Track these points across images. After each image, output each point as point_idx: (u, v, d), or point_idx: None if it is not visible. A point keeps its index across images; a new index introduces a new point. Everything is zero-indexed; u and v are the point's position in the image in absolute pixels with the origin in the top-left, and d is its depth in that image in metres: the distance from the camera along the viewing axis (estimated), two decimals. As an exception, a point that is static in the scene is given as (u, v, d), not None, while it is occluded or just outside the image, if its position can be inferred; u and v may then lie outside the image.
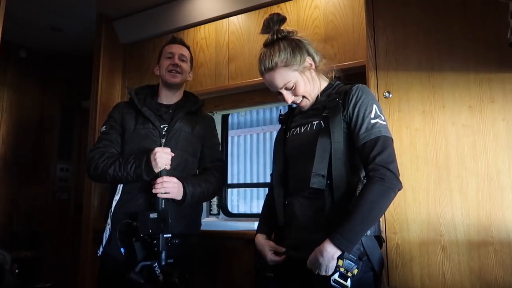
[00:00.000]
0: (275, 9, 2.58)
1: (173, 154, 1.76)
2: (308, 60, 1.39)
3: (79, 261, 2.80)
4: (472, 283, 1.61)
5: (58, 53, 3.97)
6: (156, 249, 1.63)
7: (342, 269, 1.21)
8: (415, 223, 1.73)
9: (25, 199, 3.75)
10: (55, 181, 3.92)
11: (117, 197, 1.79)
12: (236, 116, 3.26)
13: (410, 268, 1.70)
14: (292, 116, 1.54)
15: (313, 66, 1.40)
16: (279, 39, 1.38)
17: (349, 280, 1.21)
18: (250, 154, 3.22)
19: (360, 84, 1.38)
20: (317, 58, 1.43)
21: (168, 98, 1.97)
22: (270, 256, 1.42)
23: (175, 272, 1.63)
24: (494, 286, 1.57)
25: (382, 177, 1.22)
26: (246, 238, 2.26)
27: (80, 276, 2.77)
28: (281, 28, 1.42)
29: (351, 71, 2.20)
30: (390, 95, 1.86)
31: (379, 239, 1.36)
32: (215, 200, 3.02)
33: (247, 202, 3.21)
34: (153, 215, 1.65)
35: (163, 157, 1.70)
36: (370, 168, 1.25)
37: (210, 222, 2.73)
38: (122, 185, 1.80)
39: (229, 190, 3.18)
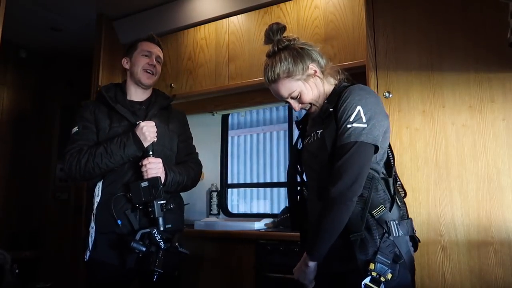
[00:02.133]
0: (275, 9, 2.58)
1: (155, 127, 1.76)
2: (312, 67, 1.36)
3: (79, 261, 2.80)
4: (472, 283, 1.61)
5: (58, 53, 3.97)
6: (152, 216, 1.65)
7: (374, 273, 1.17)
8: (415, 223, 1.71)
9: (25, 199, 3.75)
10: (55, 181, 3.92)
11: (97, 199, 1.73)
12: (236, 116, 3.25)
13: (410, 268, 1.70)
14: (306, 122, 1.52)
15: (318, 72, 1.38)
16: (280, 50, 1.37)
17: (382, 285, 1.16)
18: (250, 154, 3.22)
19: (353, 85, 1.34)
20: (322, 62, 1.40)
21: (138, 95, 1.92)
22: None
23: (175, 237, 1.66)
24: (494, 286, 1.58)
25: (329, 189, 1.21)
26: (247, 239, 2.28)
27: (80, 276, 2.77)
28: (283, 36, 1.40)
29: (351, 71, 2.18)
30: (390, 95, 1.86)
31: (413, 239, 1.32)
32: (215, 200, 3.02)
33: (247, 202, 3.20)
34: (144, 184, 1.67)
35: (150, 130, 1.72)
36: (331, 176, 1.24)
37: (210, 222, 2.73)
38: (101, 185, 1.75)
39: (229, 190, 3.19)
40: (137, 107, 1.87)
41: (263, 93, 2.61)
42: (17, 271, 1.51)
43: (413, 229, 1.31)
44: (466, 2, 1.78)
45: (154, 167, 1.69)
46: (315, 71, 1.37)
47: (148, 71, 1.87)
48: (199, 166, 1.98)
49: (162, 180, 1.70)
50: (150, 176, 1.68)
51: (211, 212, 3.02)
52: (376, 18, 1.95)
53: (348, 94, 1.29)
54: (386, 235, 1.23)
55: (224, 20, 2.76)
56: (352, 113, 1.24)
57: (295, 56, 1.35)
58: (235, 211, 3.15)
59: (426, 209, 1.72)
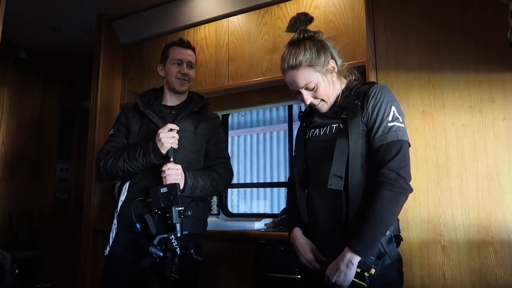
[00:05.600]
0: (275, 9, 2.58)
1: (177, 128, 1.80)
2: (331, 63, 1.39)
3: (79, 261, 2.81)
4: (472, 283, 1.61)
5: (58, 53, 3.97)
6: (170, 222, 1.68)
7: (358, 270, 1.21)
8: (415, 223, 1.73)
9: (25, 199, 3.74)
10: (55, 181, 3.92)
11: (122, 198, 1.83)
12: (236, 116, 3.26)
13: (410, 268, 1.70)
14: (311, 116, 1.52)
15: (336, 70, 1.41)
16: (305, 39, 1.39)
17: (366, 279, 1.21)
18: (250, 154, 3.22)
19: (379, 84, 1.37)
20: (339, 62, 1.43)
21: (173, 100, 2.01)
22: (310, 257, 1.38)
23: (190, 244, 1.68)
24: (494, 286, 1.58)
25: (392, 182, 1.22)
26: (247, 239, 2.28)
27: (80, 276, 2.78)
28: (307, 28, 1.42)
29: (351, 71, 2.21)
30: (390, 95, 1.86)
31: (397, 238, 1.35)
32: (215, 200, 3.02)
33: (247, 202, 3.21)
34: (164, 189, 1.71)
35: (167, 136, 1.76)
36: (381, 172, 1.25)
37: (210, 222, 2.72)
38: (128, 185, 1.84)
39: (229, 190, 3.19)
40: (166, 111, 1.95)
41: (263, 93, 2.61)
42: (17, 271, 1.51)
43: (398, 228, 1.34)
44: (466, 2, 1.78)
45: (173, 173, 1.73)
46: (334, 68, 1.40)
47: (181, 79, 1.95)
48: (228, 171, 1.98)
49: (181, 187, 1.73)
50: (169, 182, 1.72)
51: (211, 212, 3.01)
52: (376, 18, 1.95)
53: (379, 94, 1.33)
54: None
55: (224, 20, 2.76)
56: (390, 113, 1.29)
57: (319, 48, 1.37)
58: (235, 211, 3.15)
59: (426, 209, 1.72)
